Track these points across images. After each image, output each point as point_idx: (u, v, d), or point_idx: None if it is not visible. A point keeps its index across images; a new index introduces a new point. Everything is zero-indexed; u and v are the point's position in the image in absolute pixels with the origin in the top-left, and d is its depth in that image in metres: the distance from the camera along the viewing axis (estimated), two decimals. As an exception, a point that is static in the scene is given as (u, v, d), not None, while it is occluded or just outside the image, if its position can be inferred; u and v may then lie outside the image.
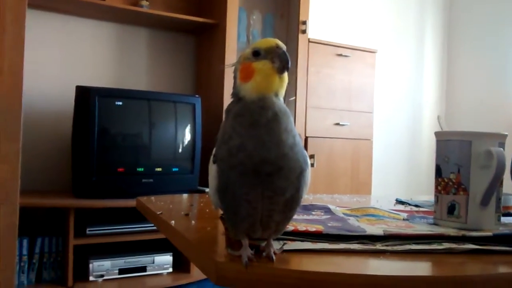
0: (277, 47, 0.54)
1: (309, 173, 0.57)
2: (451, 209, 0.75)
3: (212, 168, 0.56)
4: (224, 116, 0.57)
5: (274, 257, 0.54)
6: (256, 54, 0.55)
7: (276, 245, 0.58)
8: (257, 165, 0.51)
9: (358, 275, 0.51)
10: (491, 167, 0.71)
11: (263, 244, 0.57)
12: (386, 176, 3.49)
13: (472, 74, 3.74)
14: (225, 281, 0.51)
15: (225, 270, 0.52)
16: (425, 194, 2.33)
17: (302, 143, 0.56)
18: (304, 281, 0.50)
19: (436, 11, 3.90)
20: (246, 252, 0.53)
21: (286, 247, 0.59)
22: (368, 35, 3.47)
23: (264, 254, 0.55)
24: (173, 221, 0.75)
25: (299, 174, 0.54)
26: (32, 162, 2.31)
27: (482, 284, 0.53)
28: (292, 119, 0.55)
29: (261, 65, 0.54)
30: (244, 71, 0.55)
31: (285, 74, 0.55)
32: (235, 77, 0.57)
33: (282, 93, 0.55)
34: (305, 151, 0.56)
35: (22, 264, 2.03)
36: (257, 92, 0.54)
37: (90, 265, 2.10)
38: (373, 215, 0.84)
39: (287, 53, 0.54)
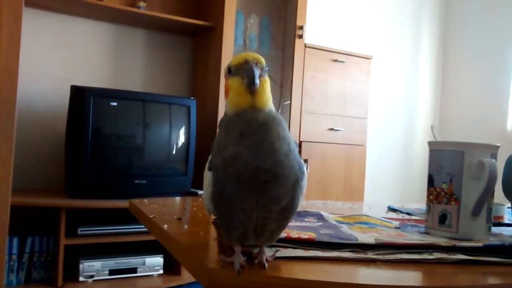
0: (245, 62, 0.53)
1: (305, 181, 0.57)
2: (442, 219, 0.75)
3: (207, 175, 0.56)
4: (218, 127, 0.57)
5: (266, 264, 0.54)
6: (229, 71, 0.56)
7: (268, 252, 0.58)
8: (253, 173, 0.51)
9: (349, 284, 0.52)
10: (483, 178, 0.72)
11: (256, 251, 0.57)
12: (378, 183, 3.50)
13: (467, 84, 3.77)
14: (217, 287, 0.52)
15: (217, 276, 0.52)
16: (417, 201, 2.34)
17: (297, 149, 0.56)
18: (295, 289, 0.51)
19: (432, 19, 3.93)
20: (239, 258, 0.53)
21: (278, 254, 0.59)
22: (364, 41, 3.49)
23: (256, 261, 0.55)
24: (166, 225, 0.75)
25: (295, 183, 0.54)
26: (25, 160, 2.30)
27: (471, 295, 0.54)
28: (285, 125, 0.55)
29: (232, 82, 0.55)
30: (225, 88, 0.57)
31: (266, 83, 0.55)
32: None
33: (263, 103, 0.54)
34: (301, 160, 0.56)
35: (11, 263, 2.02)
36: (233, 107, 0.54)
37: (80, 266, 2.09)
38: (365, 223, 0.84)
39: (254, 68, 0.53)
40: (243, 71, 0.53)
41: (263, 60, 0.55)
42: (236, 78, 0.54)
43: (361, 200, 2.98)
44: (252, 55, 0.55)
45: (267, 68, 0.55)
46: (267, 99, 0.54)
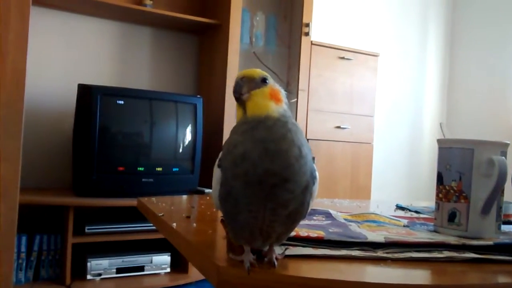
0: (236, 79, 0.58)
1: (317, 186, 0.57)
2: (451, 217, 0.75)
3: (216, 172, 0.57)
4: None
5: (276, 263, 0.54)
6: None
7: (278, 250, 0.58)
8: (262, 175, 0.51)
9: (359, 282, 0.51)
10: (493, 175, 0.72)
11: (265, 249, 0.57)
12: (385, 181, 3.49)
13: (474, 81, 3.75)
14: (226, 285, 0.51)
15: (227, 275, 0.52)
16: (425, 199, 2.33)
17: (311, 156, 0.56)
18: (305, 287, 0.51)
19: (439, 16, 3.90)
20: (248, 257, 0.53)
21: (288, 253, 0.59)
22: (370, 38, 3.47)
23: (266, 259, 0.55)
24: (174, 223, 0.75)
25: (304, 188, 0.54)
26: (33, 159, 2.31)
27: (482, 293, 0.54)
28: (295, 129, 0.54)
29: None
30: None
31: (256, 95, 0.56)
32: None
33: (253, 111, 0.55)
34: (313, 165, 0.56)
35: (20, 261, 2.03)
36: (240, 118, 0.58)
37: (88, 264, 2.10)
38: (374, 221, 0.84)
39: (240, 82, 0.57)
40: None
41: (255, 74, 0.58)
42: None
43: (368, 198, 2.98)
44: (247, 71, 0.58)
45: (267, 81, 0.58)
46: (258, 107, 0.55)
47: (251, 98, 0.56)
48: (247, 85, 0.57)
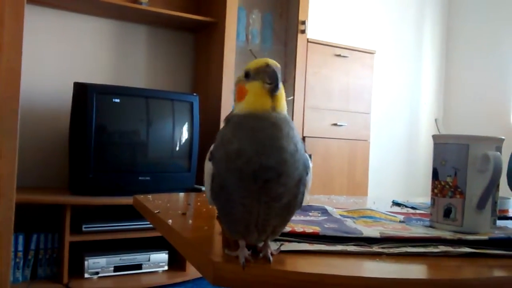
0: (267, 66, 0.54)
1: (310, 176, 0.57)
2: (447, 212, 0.75)
3: (208, 166, 0.56)
4: (223, 123, 0.57)
5: (271, 258, 0.54)
6: (247, 75, 0.56)
7: (273, 246, 0.58)
8: (256, 171, 0.50)
9: (354, 277, 0.51)
10: (488, 171, 0.72)
11: (260, 244, 0.57)
12: (382, 177, 3.50)
13: (470, 77, 3.75)
14: (222, 281, 0.52)
15: (222, 270, 0.52)
16: (421, 195, 2.34)
17: (304, 148, 0.56)
18: (301, 282, 0.51)
19: (435, 13, 3.91)
20: (243, 252, 0.53)
21: (283, 248, 0.59)
22: (366, 36, 3.47)
23: (261, 254, 0.55)
24: (170, 220, 0.75)
25: (298, 181, 0.54)
26: (29, 158, 2.30)
27: (477, 287, 0.54)
28: (293, 125, 0.55)
29: (251, 86, 0.55)
30: (238, 92, 0.57)
31: (280, 89, 0.55)
32: (234, 95, 0.58)
33: (282, 107, 0.54)
34: (306, 155, 0.56)
35: (17, 260, 2.03)
36: (250, 110, 0.54)
37: (86, 262, 2.10)
38: (370, 217, 0.84)
39: (277, 71, 0.54)
40: (265, 74, 0.54)
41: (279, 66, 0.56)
42: (256, 82, 0.54)
43: (365, 195, 2.98)
44: (272, 60, 0.55)
45: None
46: (285, 103, 0.55)
47: (280, 91, 0.55)
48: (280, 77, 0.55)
